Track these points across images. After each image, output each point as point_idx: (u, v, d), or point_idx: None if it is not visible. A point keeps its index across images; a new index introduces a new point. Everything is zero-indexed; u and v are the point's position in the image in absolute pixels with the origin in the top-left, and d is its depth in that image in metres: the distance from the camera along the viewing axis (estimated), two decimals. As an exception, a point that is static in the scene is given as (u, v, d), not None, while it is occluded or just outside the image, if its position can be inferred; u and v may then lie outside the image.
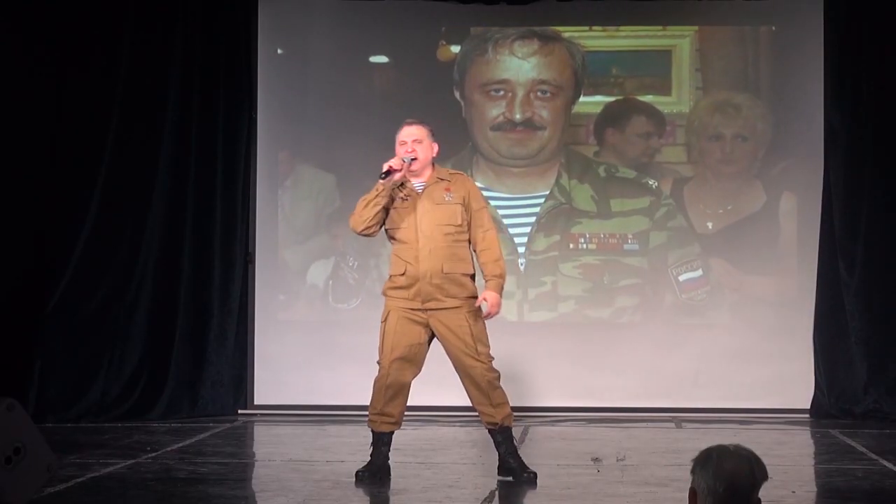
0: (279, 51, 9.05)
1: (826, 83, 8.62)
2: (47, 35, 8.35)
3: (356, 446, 7.13)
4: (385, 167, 5.96)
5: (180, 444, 7.33)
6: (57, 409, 8.27)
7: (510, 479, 5.99)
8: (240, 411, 8.78)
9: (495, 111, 9.00)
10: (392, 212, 6.05)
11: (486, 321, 6.03)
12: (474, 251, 6.11)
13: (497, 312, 6.03)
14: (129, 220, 8.52)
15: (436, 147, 6.16)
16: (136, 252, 8.52)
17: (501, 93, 9.00)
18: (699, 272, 8.86)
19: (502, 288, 6.05)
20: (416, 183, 6.08)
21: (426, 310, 5.97)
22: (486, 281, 6.04)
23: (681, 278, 8.86)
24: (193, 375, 8.67)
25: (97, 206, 8.42)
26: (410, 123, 6.18)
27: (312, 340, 8.90)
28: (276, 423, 8.48)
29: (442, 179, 6.11)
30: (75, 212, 8.40)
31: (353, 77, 9.08)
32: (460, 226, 6.02)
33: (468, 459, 6.76)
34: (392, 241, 6.12)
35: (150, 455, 6.90)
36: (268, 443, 7.96)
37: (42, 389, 8.25)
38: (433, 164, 6.15)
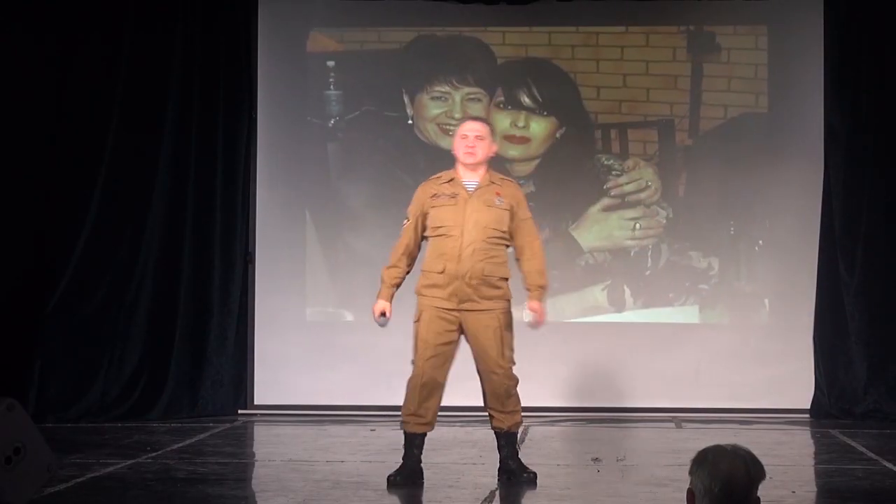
0: (279, 51, 9.04)
1: (826, 83, 8.62)
2: (47, 36, 8.35)
3: (356, 446, 7.14)
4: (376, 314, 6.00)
5: (180, 444, 7.33)
6: (57, 409, 8.27)
7: (509, 480, 5.97)
8: (240, 411, 8.78)
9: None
10: (438, 209, 5.96)
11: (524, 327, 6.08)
12: (518, 259, 6.09)
13: (543, 322, 6.07)
14: (129, 220, 8.53)
15: (494, 147, 6.13)
16: (136, 252, 8.52)
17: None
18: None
19: (545, 298, 6.09)
20: (469, 182, 6.00)
21: (461, 310, 5.91)
22: (530, 291, 6.06)
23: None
24: (193, 375, 8.67)
25: (97, 206, 8.42)
26: (475, 119, 6.17)
27: (312, 340, 8.89)
28: (276, 423, 8.47)
29: (493, 182, 6.04)
30: (75, 212, 8.40)
31: (353, 77, 9.07)
32: (505, 232, 5.98)
33: (468, 459, 6.76)
34: (432, 237, 6.01)
35: (150, 455, 6.90)
36: (268, 443, 7.96)
37: (42, 389, 8.26)
38: (487, 166, 6.08)
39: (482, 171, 6.03)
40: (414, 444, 6.00)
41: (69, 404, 8.32)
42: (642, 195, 8.93)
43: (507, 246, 6.05)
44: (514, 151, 8.97)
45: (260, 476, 6.65)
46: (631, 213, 8.92)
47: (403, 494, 5.81)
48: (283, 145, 9.04)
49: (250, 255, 8.91)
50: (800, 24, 8.83)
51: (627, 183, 8.94)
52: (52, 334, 8.31)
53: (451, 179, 6.03)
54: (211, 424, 8.26)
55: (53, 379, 8.30)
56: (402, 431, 6.06)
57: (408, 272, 6.09)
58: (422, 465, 6.01)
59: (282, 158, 9.03)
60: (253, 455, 7.56)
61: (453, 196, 5.96)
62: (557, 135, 8.98)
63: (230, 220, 8.77)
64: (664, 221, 8.91)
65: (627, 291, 8.89)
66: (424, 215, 6.01)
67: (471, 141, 5.97)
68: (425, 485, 5.96)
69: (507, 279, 6.01)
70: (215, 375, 8.72)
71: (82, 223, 8.40)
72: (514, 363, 5.98)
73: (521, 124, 8.97)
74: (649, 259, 8.90)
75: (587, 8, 8.94)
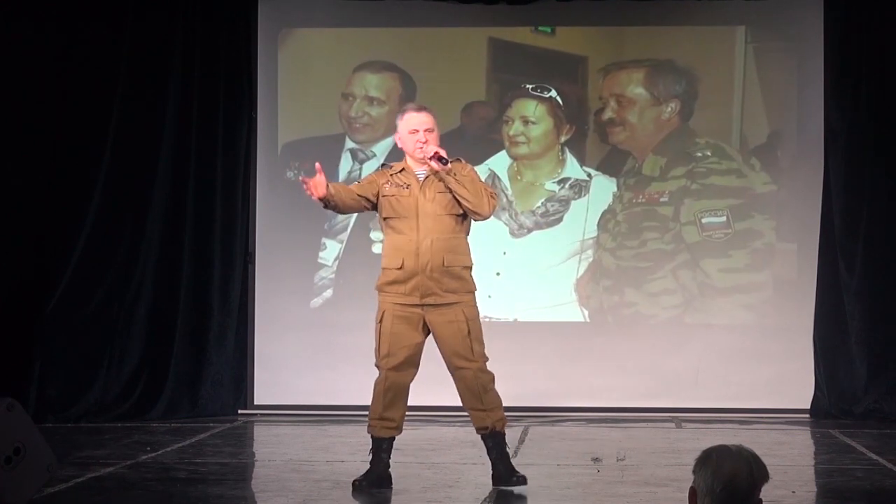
0: (279, 50, 9.04)
1: (826, 83, 8.62)
2: (48, 36, 8.35)
3: (356, 446, 7.13)
4: (435, 152, 5.67)
5: (180, 444, 7.33)
6: (57, 409, 8.27)
7: (498, 485, 5.78)
8: (240, 411, 8.78)
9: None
10: (390, 199, 5.81)
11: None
12: None
13: (428, 150, 5.68)
14: (129, 220, 8.53)
15: (437, 134, 5.91)
16: (136, 252, 8.53)
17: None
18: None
19: (453, 178, 5.68)
20: (419, 171, 5.85)
21: (423, 305, 5.75)
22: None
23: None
24: (193, 375, 8.67)
25: (97, 206, 8.43)
26: (419, 109, 5.91)
27: (312, 340, 8.89)
28: (276, 423, 8.47)
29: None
30: (75, 212, 8.40)
31: (354, 76, 9.07)
32: (461, 215, 5.80)
33: (468, 459, 6.76)
34: (387, 230, 5.87)
35: (150, 455, 6.90)
36: (268, 443, 7.96)
37: (42, 389, 8.26)
38: None
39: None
40: (382, 448, 5.87)
41: (69, 404, 8.32)
42: (642, 199, 8.92)
43: (467, 234, 5.88)
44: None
45: (260, 476, 6.64)
46: (633, 219, 8.92)
47: (402, 495, 5.80)
48: (283, 146, 9.04)
49: (250, 255, 8.91)
50: (800, 24, 8.83)
51: (627, 187, 8.95)
52: (52, 334, 8.31)
53: (402, 170, 5.88)
54: (211, 424, 8.26)
55: (53, 379, 8.30)
56: (369, 436, 5.92)
57: (335, 194, 5.76)
58: (390, 469, 5.88)
59: (281, 158, 9.03)
60: (253, 455, 7.55)
61: (406, 186, 5.81)
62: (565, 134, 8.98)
63: (230, 220, 8.76)
64: (661, 223, 8.89)
65: (625, 289, 8.88)
66: (375, 194, 5.82)
67: (422, 136, 5.78)
68: (425, 485, 5.95)
69: (469, 268, 5.84)
70: (215, 375, 8.72)
71: (82, 223, 8.40)
72: (486, 358, 5.81)
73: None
74: (647, 259, 8.88)
75: (586, 7, 8.93)
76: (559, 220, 8.94)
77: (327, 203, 5.77)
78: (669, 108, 8.92)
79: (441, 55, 9.05)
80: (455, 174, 5.74)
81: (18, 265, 8.29)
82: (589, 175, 8.94)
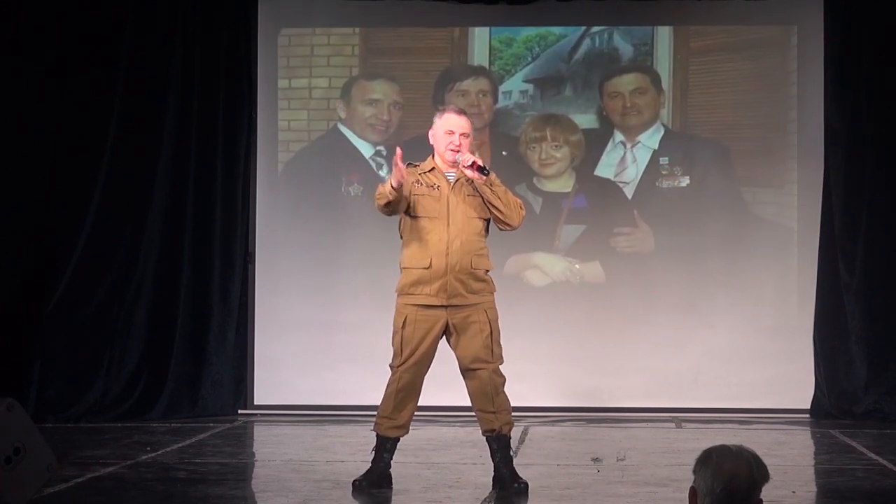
0: (279, 51, 9.04)
1: (826, 83, 8.62)
2: (49, 36, 8.35)
3: (356, 446, 7.14)
4: (473, 161, 5.68)
5: (180, 444, 7.34)
6: (57, 409, 8.27)
7: (500, 489, 5.77)
8: (240, 411, 8.78)
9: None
10: (420, 199, 5.78)
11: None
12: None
13: (466, 158, 5.69)
14: (129, 220, 8.53)
15: (471, 140, 5.92)
16: (136, 252, 8.53)
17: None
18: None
19: (489, 188, 5.71)
20: (449, 174, 5.84)
21: (448, 306, 5.74)
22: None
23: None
24: (193, 375, 8.67)
25: (97, 206, 8.43)
26: (459, 113, 5.90)
27: (312, 340, 8.89)
28: (276, 423, 8.48)
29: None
30: (75, 212, 8.40)
31: (354, 76, 9.07)
32: (486, 220, 5.83)
33: (468, 459, 6.76)
34: (414, 230, 5.80)
35: (150, 455, 6.90)
36: (268, 443, 7.96)
37: (42, 389, 8.26)
38: None
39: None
40: (385, 447, 5.87)
41: (69, 404, 8.32)
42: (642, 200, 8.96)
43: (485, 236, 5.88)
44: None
45: (260, 476, 6.65)
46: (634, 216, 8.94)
47: (402, 495, 5.80)
48: (283, 145, 9.04)
49: (250, 255, 8.91)
50: (800, 24, 8.84)
51: (625, 188, 8.97)
52: (52, 334, 8.31)
53: (432, 169, 5.87)
54: (211, 424, 8.27)
55: (53, 379, 8.31)
56: (374, 434, 5.91)
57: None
58: (390, 469, 5.88)
59: (282, 158, 9.04)
60: (253, 455, 7.56)
61: (436, 187, 5.81)
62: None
63: (230, 220, 8.77)
64: (662, 222, 8.90)
65: (625, 288, 8.87)
66: (409, 193, 5.78)
67: (457, 139, 5.78)
68: (425, 485, 5.95)
69: (489, 271, 5.85)
70: (215, 375, 8.72)
71: (82, 223, 8.40)
72: (502, 360, 5.83)
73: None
74: (647, 257, 8.89)
75: (585, 7, 8.93)
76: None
77: (392, 198, 5.65)
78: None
79: (440, 53, 9.06)
80: (492, 185, 5.77)
81: (18, 265, 8.29)
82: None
